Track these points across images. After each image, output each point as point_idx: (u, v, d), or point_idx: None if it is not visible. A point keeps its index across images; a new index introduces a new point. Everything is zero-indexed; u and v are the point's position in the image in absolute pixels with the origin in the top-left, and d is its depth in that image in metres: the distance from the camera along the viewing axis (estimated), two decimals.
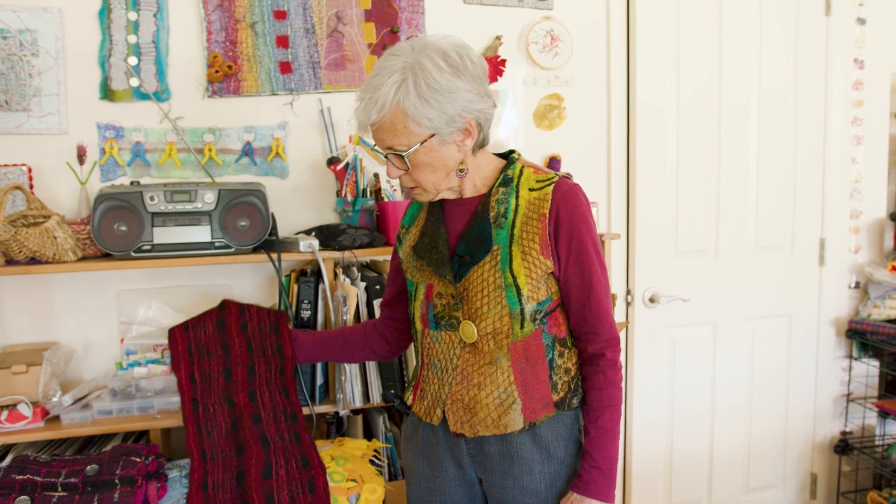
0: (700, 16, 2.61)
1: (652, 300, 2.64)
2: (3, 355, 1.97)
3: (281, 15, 2.17)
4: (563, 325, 1.48)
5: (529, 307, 1.41)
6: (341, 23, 2.22)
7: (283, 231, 2.15)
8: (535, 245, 1.40)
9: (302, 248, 1.92)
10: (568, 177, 1.47)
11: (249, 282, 2.22)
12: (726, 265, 2.75)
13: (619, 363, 1.49)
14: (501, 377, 1.44)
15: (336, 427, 2.07)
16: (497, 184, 1.45)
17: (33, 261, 1.82)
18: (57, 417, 1.88)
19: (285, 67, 2.18)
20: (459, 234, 1.47)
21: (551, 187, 1.41)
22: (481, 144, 1.45)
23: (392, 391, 1.95)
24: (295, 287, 1.99)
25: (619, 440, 1.48)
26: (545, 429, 1.47)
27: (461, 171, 1.42)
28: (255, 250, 1.97)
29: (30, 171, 2.00)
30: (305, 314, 1.97)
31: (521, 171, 1.46)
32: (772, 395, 2.89)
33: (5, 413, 1.81)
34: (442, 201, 1.52)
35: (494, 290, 1.41)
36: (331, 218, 2.25)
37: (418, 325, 1.55)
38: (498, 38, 2.38)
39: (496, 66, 2.37)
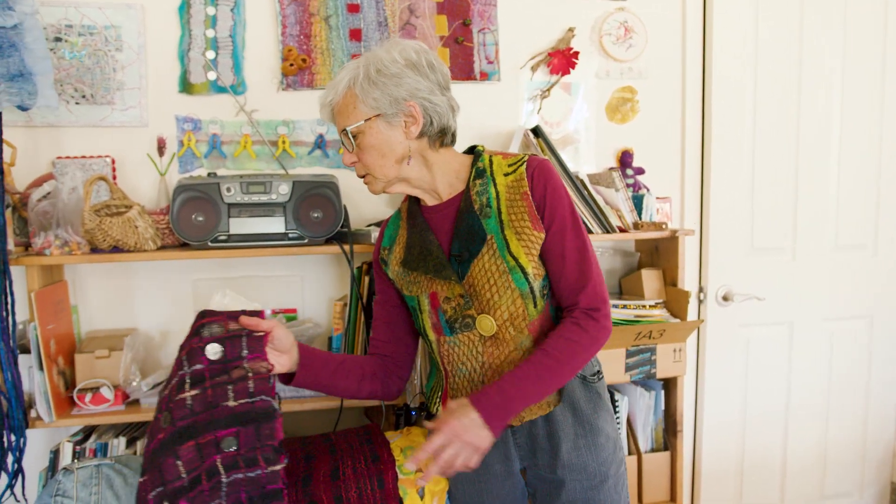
0: (780, 5, 2.52)
1: (725, 298, 2.57)
2: (87, 340, 2.05)
3: (354, 8, 2.18)
4: None
5: (537, 284, 1.45)
6: (413, 16, 2.22)
7: (355, 223, 2.17)
8: (526, 223, 1.43)
9: (373, 240, 1.93)
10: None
11: (321, 273, 2.25)
12: (804, 263, 2.65)
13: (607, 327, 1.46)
14: None
15: (405, 418, 2.08)
16: (472, 177, 1.48)
17: (116, 249, 1.87)
18: (136, 401, 1.94)
19: None
20: (451, 235, 1.48)
21: (523, 167, 1.46)
22: (441, 140, 1.48)
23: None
24: (366, 279, 2.00)
25: (540, 396, 1.41)
26: (583, 402, 1.51)
27: (408, 159, 1.46)
28: (328, 241, 1.99)
29: (113, 162, 2.06)
30: None
31: (490, 160, 1.50)
32: (850, 399, 2.78)
33: (89, 395, 1.88)
34: (422, 210, 1.54)
35: (500, 276, 1.42)
36: None
37: (431, 336, 1.54)
38: (570, 29, 2.34)
39: (568, 59, 2.33)
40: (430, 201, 1.53)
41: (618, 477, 1.54)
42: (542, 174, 1.45)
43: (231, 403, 1.33)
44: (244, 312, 1.39)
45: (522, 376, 1.37)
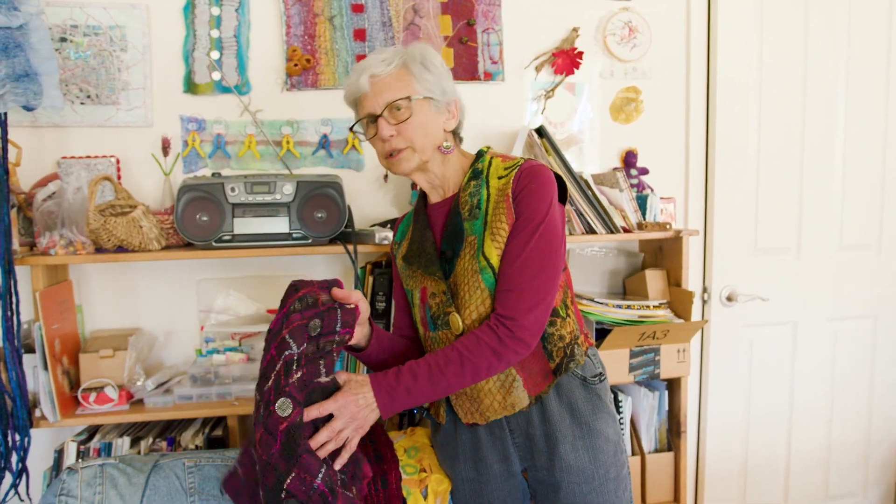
0: (785, 5, 2.52)
1: (729, 299, 2.56)
2: (92, 339, 2.05)
3: (358, 8, 2.18)
4: None
5: None
6: (418, 16, 2.22)
7: (359, 223, 2.17)
8: (503, 225, 1.43)
9: (377, 240, 1.93)
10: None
11: (325, 273, 2.24)
12: (808, 264, 2.65)
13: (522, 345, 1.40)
14: None
15: (408, 418, 2.08)
16: (467, 178, 1.51)
17: (120, 249, 1.88)
18: (140, 401, 1.94)
19: None
20: (442, 233, 1.53)
21: (516, 170, 1.46)
22: (455, 136, 1.58)
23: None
24: (370, 279, 2.01)
25: (433, 396, 1.40)
26: (581, 403, 1.50)
27: (446, 147, 1.51)
28: (332, 241, 1.99)
29: (118, 162, 2.07)
30: (380, 306, 1.98)
31: (490, 163, 1.52)
32: (854, 400, 2.78)
33: (93, 395, 1.88)
34: (426, 208, 1.59)
35: (472, 275, 1.44)
36: (406, 210, 2.26)
37: (421, 330, 1.60)
38: (575, 29, 2.34)
39: (572, 59, 2.33)
40: (434, 198, 1.57)
41: (619, 480, 1.53)
42: (528, 175, 1.43)
43: (323, 380, 1.34)
44: (328, 282, 1.41)
45: (423, 364, 1.39)
